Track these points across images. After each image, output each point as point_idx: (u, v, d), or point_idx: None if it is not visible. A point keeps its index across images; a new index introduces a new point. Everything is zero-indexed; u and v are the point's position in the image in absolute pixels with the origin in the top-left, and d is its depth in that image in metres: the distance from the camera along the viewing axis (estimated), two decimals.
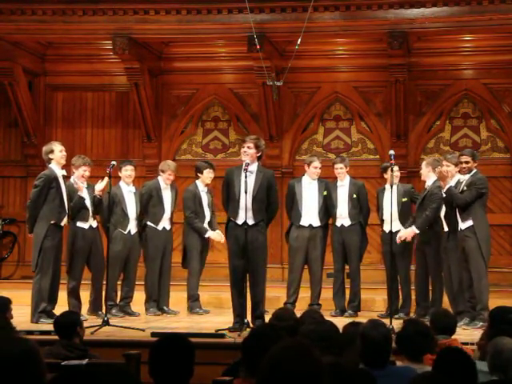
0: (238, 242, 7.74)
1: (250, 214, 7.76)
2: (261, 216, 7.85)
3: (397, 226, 8.92)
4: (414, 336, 4.46)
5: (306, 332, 4.27)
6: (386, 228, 9.13)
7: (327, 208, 9.45)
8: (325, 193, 9.46)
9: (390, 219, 8.43)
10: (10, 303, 6.15)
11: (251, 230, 7.74)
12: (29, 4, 10.83)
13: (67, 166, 8.94)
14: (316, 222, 9.40)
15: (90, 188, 8.96)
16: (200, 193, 9.59)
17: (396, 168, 8.97)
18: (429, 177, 8.90)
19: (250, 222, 7.77)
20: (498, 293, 8.89)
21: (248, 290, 7.82)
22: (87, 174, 8.94)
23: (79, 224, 8.86)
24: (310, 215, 9.40)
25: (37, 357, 2.63)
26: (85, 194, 8.88)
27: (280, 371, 2.50)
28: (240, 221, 7.74)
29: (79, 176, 8.90)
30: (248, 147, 7.83)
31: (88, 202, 8.89)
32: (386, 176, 9.31)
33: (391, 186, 8.56)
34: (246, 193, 7.62)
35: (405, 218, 9.06)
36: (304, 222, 9.39)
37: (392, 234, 8.49)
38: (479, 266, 8.11)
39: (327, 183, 9.57)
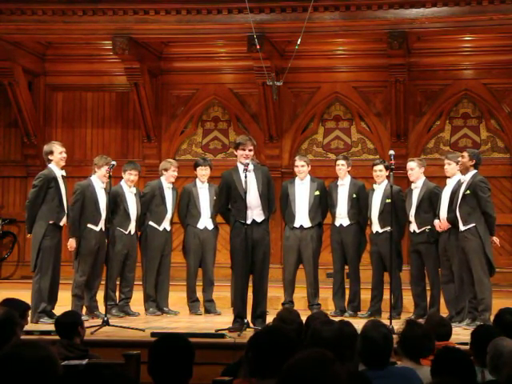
0: (246, 242, 7.71)
1: (257, 211, 7.82)
2: (266, 213, 7.91)
3: (378, 226, 9.14)
4: (419, 337, 4.46)
5: (315, 332, 4.19)
6: (374, 228, 9.24)
7: (320, 208, 9.43)
8: (317, 192, 9.44)
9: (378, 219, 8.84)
10: (28, 309, 5.92)
11: (259, 230, 7.81)
12: (29, 4, 10.83)
13: (68, 167, 8.94)
14: (307, 223, 9.39)
15: (106, 191, 8.92)
16: (197, 190, 9.59)
17: (379, 167, 9.23)
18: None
19: (259, 219, 7.83)
20: (498, 293, 8.89)
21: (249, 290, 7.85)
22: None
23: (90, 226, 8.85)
24: (300, 216, 9.41)
25: (55, 363, 2.68)
26: (101, 196, 8.89)
27: (298, 381, 2.53)
28: (249, 220, 7.75)
29: (101, 176, 8.88)
30: (250, 150, 7.87)
31: (103, 205, 8.88)
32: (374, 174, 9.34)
33: (379, 185, 9.05)
34: (245, 192, 7.64)
35: (384, 219, 8.98)
36: (295, 223, 9.41)
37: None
38: (481, 267, 8.11)
39: (321, 183, 9.56)
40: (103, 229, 8.87)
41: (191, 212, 9.57)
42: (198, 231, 9.54)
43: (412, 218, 8.97)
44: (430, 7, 10.20)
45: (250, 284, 7.92)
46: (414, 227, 8.97)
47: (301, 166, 9.46)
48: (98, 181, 8.94)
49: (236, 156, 8.04)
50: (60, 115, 12.42)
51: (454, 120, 11.72)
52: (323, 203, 9.47)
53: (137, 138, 12.24)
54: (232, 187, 7.86)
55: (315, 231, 9.41)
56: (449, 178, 8.82)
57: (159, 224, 9.43)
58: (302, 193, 9.44)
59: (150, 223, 9.43)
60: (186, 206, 9.59)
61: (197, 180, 9.66)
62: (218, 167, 9.98)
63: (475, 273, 8.11)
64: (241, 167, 7.82)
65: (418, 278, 8.99)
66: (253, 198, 7.78)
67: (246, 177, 7.64)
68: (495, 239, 8.44)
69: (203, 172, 9.59)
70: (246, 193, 7.67)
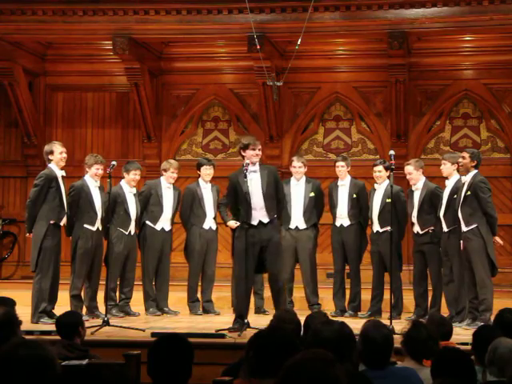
0: (252, 242, 7.67)
1: (263, 212, 7.79)
2: (273, 213, 7.88)
3: (378, 226, 9.13)
4: (424, 339, 4.46)
5: (315, 332, 4.18)
6: (374, 228, 9.23)
7: (315, 209, 9.42)
8: (312, 194, 9.42)
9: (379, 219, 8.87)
10: (14, 305, 6.04)
11: (266, 230, 7.79)
12: (29, 4, 10.82)
13: (68, 167, 8.94)
14: (301, 225, 9.39)
15: (102, 189, 8.92)
16: (201, 190, 9.57)
17: (379, 168, 9.21)
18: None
19: (265, 220, 7.81)
20: (498, 293, 8.88)
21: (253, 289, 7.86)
22: (100, 172, 8.85)
23: (86, 226, 8.82)
24: (295, 217, 9.40)
25: (53, 363, 2.67)
26: (95, 195, 8.86)
27: (298, 381, 2.53)
28: (255, 221, 7.75)
29: (93, 175, 8.87)
30: (259, 149, 7.87)
31: (98, 204, 8.86)
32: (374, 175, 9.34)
33: (379, 185, 9.11)
34: (246, 193, 7.63)
35: (385, 218, 8.97)
36: (291, 224, 9.40)
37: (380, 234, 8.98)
38: (483, 268, 8.10)
39: (317, 184, 9.55)
40: (100, 228, 8.86)
41: (196, 212, 9.52)
42: (203, 231, 9.49)
43: (414, 219, 8.96)
44: (431, 7, 10.20)
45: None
46: (417, 229, 8.97)
47: (298, 166, 9.46)
48: (92, 180, 8.90)
49: (243, 157, 7.87)
50: (60, 115, 12.41)
51: (454, 120, 11.72)
52: (318, 204, 9.46)
53: (137, 138, 12.23)
54: (238, 189, 7.84)
55: (310, 232, 9.40)
56: (447, 179, 8.82)
57: (155, 223, 9.41)
58: (297, 194, 9.43)
59: (147, 222, 9.42)
60: (190, 206, 9.56)
61: (200, 180, 9.64)
62: (219, 167, 9.98)
63: (477, 273, 8.10)
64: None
65: (420, 278, 8.98)
66: (256, 198, 7.76)
67: (245, 177, 7.62)
68: (498, 239, 8.43)
69: (207, 172, 9.57)
70: (247, 193, 7.66)
